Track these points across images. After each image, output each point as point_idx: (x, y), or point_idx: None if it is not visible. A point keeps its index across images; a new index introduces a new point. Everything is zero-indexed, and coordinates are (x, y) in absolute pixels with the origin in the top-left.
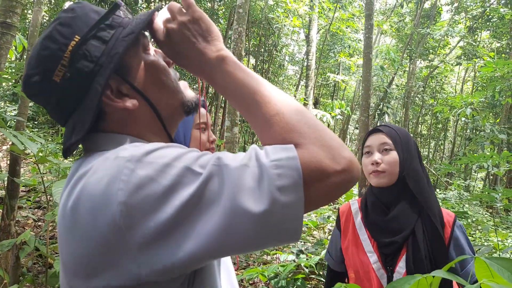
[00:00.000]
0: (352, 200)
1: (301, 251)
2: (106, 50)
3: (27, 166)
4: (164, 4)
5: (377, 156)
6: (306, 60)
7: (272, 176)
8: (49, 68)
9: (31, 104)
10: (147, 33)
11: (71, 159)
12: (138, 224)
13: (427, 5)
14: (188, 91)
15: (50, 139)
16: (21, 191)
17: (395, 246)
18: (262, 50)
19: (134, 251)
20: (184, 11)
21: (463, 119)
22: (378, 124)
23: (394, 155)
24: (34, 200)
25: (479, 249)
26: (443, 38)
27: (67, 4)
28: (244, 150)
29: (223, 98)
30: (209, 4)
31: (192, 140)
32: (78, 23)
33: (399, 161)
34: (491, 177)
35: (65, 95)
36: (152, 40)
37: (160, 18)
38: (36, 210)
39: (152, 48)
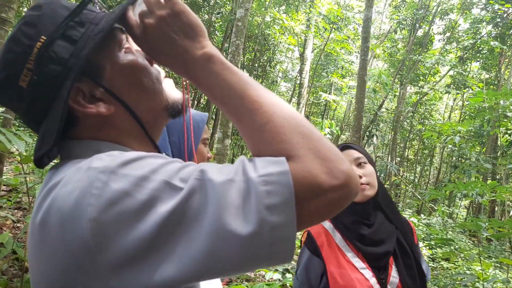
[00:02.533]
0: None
1: (287, 270)
2: (75, 51)
3: (10, 165)
4: None
5: (357, 171)
6: (299, 78)
7: (260, 193)
8: (14, 72)
9: None
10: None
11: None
12: (110, 244)
13: (420, 33)
14: (173, 91)
15: (36, 139)
16: (2, 190)
17: (385, 256)
18: (256, 65)
19: (105, 274)
20: (163, 3)
21: (449, 146)
22: (344, 144)
23: (370, 168)
24: (14, 200)
25: (463, 277)
26: (434, 66)
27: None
28: (232, 163)
29: (214, 109)
30: (206, 16)
31: (199, 155)
32: (45, 21)
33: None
34: (475, 205)
35: (33, 101)
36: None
37: (136, 12)
38: (16, 211)
39: (131, 46)
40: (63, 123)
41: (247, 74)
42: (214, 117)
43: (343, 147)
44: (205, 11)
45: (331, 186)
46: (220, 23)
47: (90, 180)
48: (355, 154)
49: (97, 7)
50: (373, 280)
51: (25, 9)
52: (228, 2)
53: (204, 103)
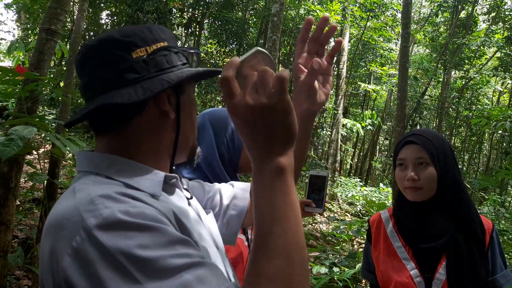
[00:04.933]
0: (382, 211)
1: (334, 264)
2: (179, 67)
3: (63, 169)
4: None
5: (413, 173)
6: (336, 69)
7: None
8: (135, 43)
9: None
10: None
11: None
12: None
13: (463, 14)
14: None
15: (86, 143)
16: (58, 193)
17: (435, 252)
18: (292, 59)
19: None
20: (272, 90)
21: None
22: (411, 137)
23: (431, 171)
24: None
25: None
26: (479, 49)
27: (104, 14)
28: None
29: None
30: (240, 14)
31: None
32: (170, 38)
33: (437, 177)
34: None
35: (131, 69)
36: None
37: (246, 66)
38: None
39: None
40: (147, 98)
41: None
42: None
43: (408, 141)
44: (239, 9)
45: None
46: (254, 19)
47: (74, 229)
48: (418, 153)
49: (193, 59)
50: (414, 272)
51: (68, 19)
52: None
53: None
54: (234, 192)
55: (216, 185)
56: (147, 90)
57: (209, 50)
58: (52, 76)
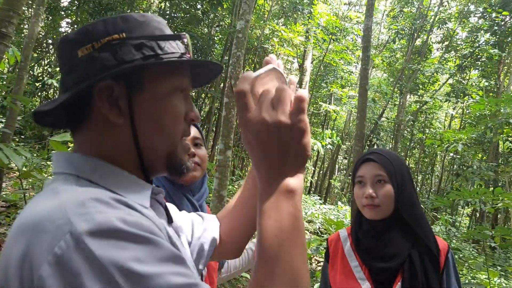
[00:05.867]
0: (341, 230)
1: None
2: (137, 61)
3: (9, 181)
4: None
5: (371, 190)
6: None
7: None
8: (81, 41)
9: (19, 118)
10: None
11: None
12: None
13: (418, 42)
14: (183, 155)
15: (36, 154)
16: (1, 206)
17: (390, 272)
18: None
19: None
20: (292, 110)
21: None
22: (370, 155)
23: (388, 188)
24: (13, 217)
25: (471, 287)
26: (433, 75)
27: (64, 22)
28: (233, 174)
29: (215, 121)
30: (206, 30)
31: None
32: (136, 26)
33: (394, 195)
34: (477, 213)
35: (73, 69)
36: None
37: (260, 82)
38: None
39: (185, 97)
40: (77, 95)
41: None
42: (214, 129)
43: (365, 160)
44: (205, 25)
45: None
46: (220, 36)
47: (59, 235)
48: (377, 170)
49: (187, 55)
50: None
51: (26, 26)
52: (227, 16)
53: (204, 115)
54: (205, 225)
55: (186, 213)
56: (72, 92)
57: None
58: (3, 82)
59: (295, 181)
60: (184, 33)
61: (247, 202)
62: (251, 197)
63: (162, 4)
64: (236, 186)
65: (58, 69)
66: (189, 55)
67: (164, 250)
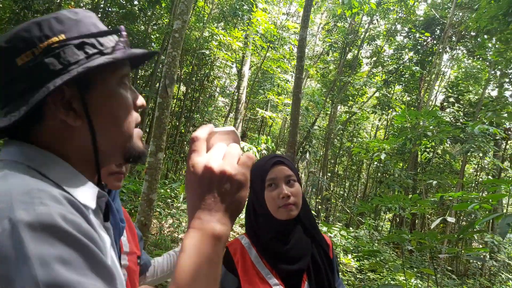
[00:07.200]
0: (238, 236)
1: None
2: (82, 61)
3: None
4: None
5: (286, 189)
6: (236, 94)
7: None
8: (18, 48)
9: None
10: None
11: None
12: None
13: (349, 56)
14: (138, 141)
15: None
16: None
17: (298, 273)
18: (194, 79)
19: None
20: (239, 164)
21: (375, 162)
22: (276, 158)
23: (298, 186)
24: None
25: None
26: (361, 88)
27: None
28: (166, 177)
29: (148, 122)
30: (142, 27)
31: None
32: (72, 25)
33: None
34: (398, 219)
35: (16, 80)
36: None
37: (216, 138)
38: None
39: (128, 85)
40: (32, 109)
41: (185, 88)
42: (148, 129)
43: (276, 162)
44: (142, 22)
45: None
46: (157, 35)
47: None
48: (286, 171)
49: (121, 44)
50: None
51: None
52: (165, 15)
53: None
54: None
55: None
56: (28, 104)
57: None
58: None
59: (223, 229)
60: (121, 26)
61: None
62: None
63: None
64: (168, 190)
65: None
66: (127, 46)
67: (94, 260)
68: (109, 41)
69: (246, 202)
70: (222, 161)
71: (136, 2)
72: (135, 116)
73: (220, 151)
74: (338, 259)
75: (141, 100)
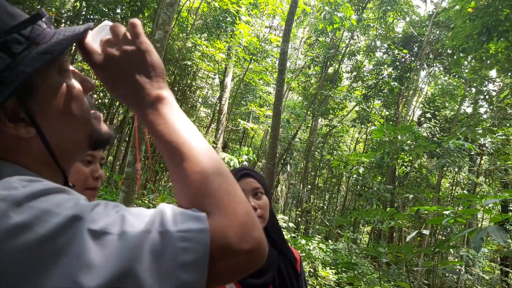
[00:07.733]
0: None
1: None
2: (12, 64)
3: None
4: (95, 22)
5: (253, 202)
6: (218, 105)
7: (177, 249)
8: None
9: None
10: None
11: None
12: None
13: (330, 70)
14: (101, 124)
15: None
16: None
17: (266, 286)
18: (176, 89)
19: None
20: (130, 38)
21: (354, 175)
22: (245, 170)
23: (265, 199)
24: None
25: None
26: (342, 101)
27: None
28: (145, 188)
29: (127, 131)
30: None
31: (72, 173)
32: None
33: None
34: (376, 232)
35: None
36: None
37: (96, 38)
38: None
39: (70, 69)
40: None
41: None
42: (127, 139)
43: (244, 175)
44: None
45: (240, 249)
46: None
47: None
48: (254, 184)
49: (44, 24)
50: None
51: None
52: (148, 24)
53: (117, 124)
54: None
55: None
56: None
57: (86, 68)
58: None
59: (164, 91)
60: (40, 9)
61: None
62: None
63: (78, 4)
64: (146, 201)
65: None
66: (53, 25)
67: (73, 192)
68: (35, 29)
69: (160, 61)
70: (116, 45)
71: (118, 11)
72: (88, 100)
73: (109, 41)
74: (317, 271)
75: (90, 82)
